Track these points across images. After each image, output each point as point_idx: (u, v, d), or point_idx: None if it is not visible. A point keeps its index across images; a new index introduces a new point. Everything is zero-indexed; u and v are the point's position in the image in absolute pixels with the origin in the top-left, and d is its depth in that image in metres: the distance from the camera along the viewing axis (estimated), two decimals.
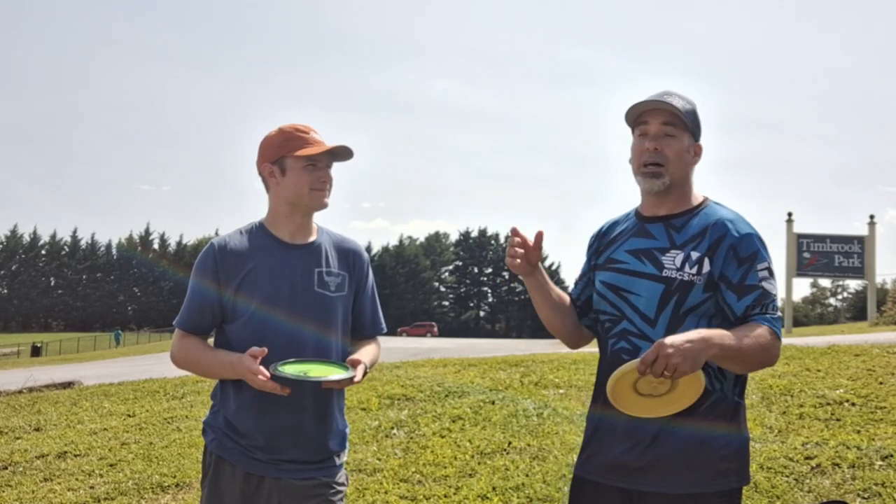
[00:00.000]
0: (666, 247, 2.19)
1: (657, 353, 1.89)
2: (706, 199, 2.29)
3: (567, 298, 2.43)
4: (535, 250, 2.30)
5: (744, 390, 2.21)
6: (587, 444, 2.31)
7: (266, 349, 2.31)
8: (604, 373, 2.21)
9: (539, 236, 2.29)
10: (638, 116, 2.24)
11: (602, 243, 2.38)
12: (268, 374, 2.27)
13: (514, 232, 2.32)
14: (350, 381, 2.35)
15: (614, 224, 2.40)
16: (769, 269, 2.15)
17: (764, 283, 2.11)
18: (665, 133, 2.20)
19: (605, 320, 2.27)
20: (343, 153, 2.52)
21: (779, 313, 2.14)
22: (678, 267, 2.14)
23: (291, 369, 2.32)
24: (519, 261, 2.30)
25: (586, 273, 2.42)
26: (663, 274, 2.15)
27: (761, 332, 2.05)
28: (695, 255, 2.14)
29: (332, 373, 2.36)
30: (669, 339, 1.91)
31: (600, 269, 2.32)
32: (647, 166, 2.21)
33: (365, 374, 2.44)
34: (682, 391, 2.01)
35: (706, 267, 2.13)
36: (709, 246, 2.14)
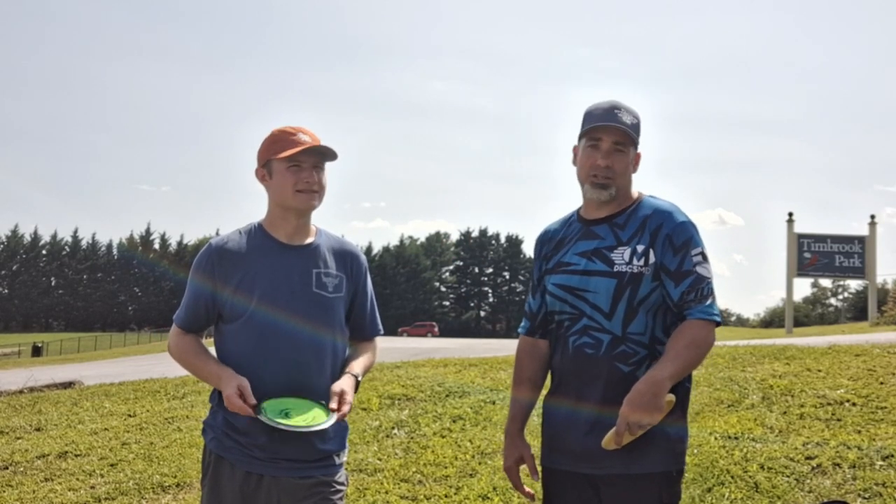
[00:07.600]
0: (613, 244, 2.31)
1: (626, 423, 2.08)
2: (640, 193, 2.40)
3: (532, 380, 2.50)
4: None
5: (690, 380, 2.34)
6: (552, 436, 2.38)
7: (248, 393, 2.33)
8: (567, 367, 2.33)
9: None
10: (590, 128, 2.32)
11: (549, 249, 2.46)
12: (250, 411, 2.30)
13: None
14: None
15: (555, 230, 2.48)
16: (703, 254, 2.28)
17: (698, 268, 2.25)
18: (616, 149, 2.31)
19: (564, 319, 2.35)
20: (326, 152, 2.49)
21: (712, 297, 2.26)
22: (627, 261, 2.27)
23: (273, 405, 2.34)
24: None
25: (539, 281, 2.49)
26: (614, 269, 2.27)
27: (694, 333, 2.19)
28: (640, 248, 2.27)
29: (313, 415, 2.37)
30: (628, 407, 2.08)
31: (551, 274, 2.40)
32: (597, 177, 2.31)
33: (357, 385, 2.49)
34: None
35: (652, 258, 2.26)
36: (650, 237, 2.27)
